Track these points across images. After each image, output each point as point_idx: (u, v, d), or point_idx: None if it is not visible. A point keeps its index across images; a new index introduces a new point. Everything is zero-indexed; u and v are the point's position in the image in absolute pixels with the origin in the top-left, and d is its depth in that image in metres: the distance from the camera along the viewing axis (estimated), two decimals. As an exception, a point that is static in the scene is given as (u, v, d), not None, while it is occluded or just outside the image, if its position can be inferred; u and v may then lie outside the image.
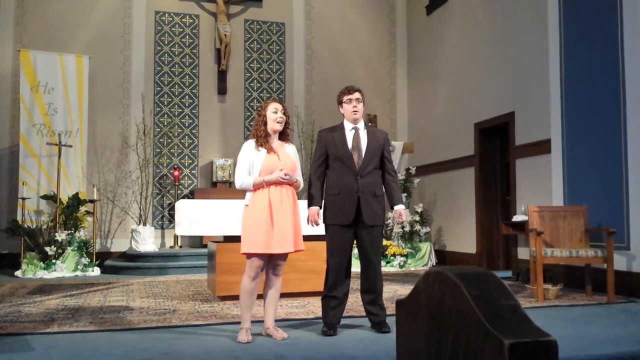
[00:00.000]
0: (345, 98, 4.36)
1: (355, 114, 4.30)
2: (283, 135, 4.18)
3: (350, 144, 4.26)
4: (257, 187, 3.98)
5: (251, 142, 4.09)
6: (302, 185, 4.25)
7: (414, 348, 1.98)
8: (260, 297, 4.18)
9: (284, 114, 4.11)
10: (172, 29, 10.44)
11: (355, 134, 4.30)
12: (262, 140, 4.06)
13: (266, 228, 3.90)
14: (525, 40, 7.89)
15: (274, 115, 4.08)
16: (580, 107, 6.48)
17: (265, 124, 4.08)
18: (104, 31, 10.04)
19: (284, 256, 4.08)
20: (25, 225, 8.52)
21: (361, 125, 4.35)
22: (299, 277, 5.87)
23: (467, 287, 1.66)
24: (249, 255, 3.95)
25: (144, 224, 9.45)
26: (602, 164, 6.14)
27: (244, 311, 3.99)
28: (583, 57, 6.45)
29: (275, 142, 4.13)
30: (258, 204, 3.95)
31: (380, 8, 11.51)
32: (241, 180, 4.00)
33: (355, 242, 4.30)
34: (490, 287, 1.70)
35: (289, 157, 4.12)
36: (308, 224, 4.30)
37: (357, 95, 4.34)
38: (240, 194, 4.15)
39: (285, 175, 3.98)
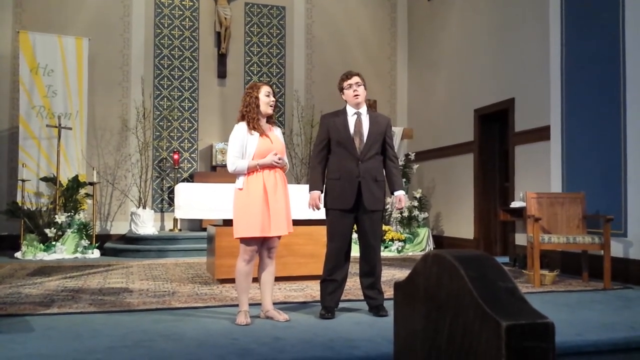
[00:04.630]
0: (345, 84, 4.35)
1: (356, 98, 4.30)
2: (270, 119, 4.19)
3: (352, 129, 4.26)
4: (250, 170, 3.98)
5: (243, 125, 4.06)
6: (288, 167, 4.28)
7: (411, 330, 2.00)
8: (256, 280, 4.20)
9: (274, 97, 4.15)
10: (172, 11, 10.38)
11: (358, 119, 4.29)
12: (255, 123, 4.05)
13: (262, 212, 3.91)
14: (525, 27, 7.87)
15: (266, 98, 4.08)
16: (580, 94, 6.47)
17: (258, 106, 4.07)
18: (104, 13, 9.99)
19: (277, 239, 4.11)
20: (25, 207, 8.54)
21: (364, 110, 4.35)
22: (298, 261, 5.90)
23: (465, 269, 1.68)
24: (245, 239, 3.96)
25: (144, 207, 9.47)
26: (601, 151, 6.15)
27: (241, 294, 4.01)
28: (584, 44, 6.44)
29: (264, 124, 4.13)
30: (253, 187, 3.95)
31: (382, -8, 11.46)
32: (235, 164, 3.98)
33: (355, 226, 4.31)
34: (488, 269, 1.72)
35: (279, 141, 4.15)
36: (309, 208, 4.31)
37: (356, 79, 4.33)
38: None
39: (279, 159, 3.99)
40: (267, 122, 4.17)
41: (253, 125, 4.03)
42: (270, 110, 4.11)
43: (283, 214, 4.00)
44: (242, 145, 4.01)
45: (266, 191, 3.96)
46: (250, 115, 4.05)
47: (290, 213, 4.13)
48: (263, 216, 3.92)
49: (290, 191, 4.25)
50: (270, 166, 4.00)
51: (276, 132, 4.19)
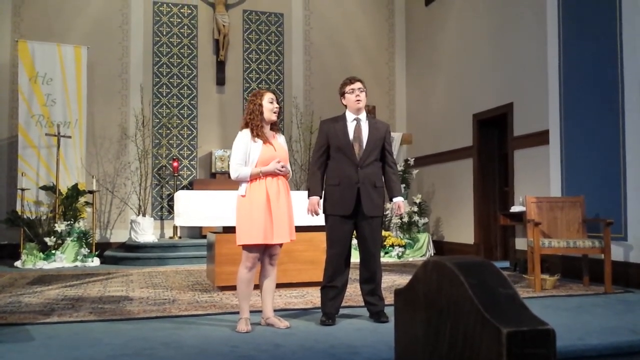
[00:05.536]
0: (347, 88, 4.36)
1: (358, 103, 4.30)
2: (274, 126, 4.19)
3: (351, 135, 4.26)
4: (253, 178, 3.99)
5: (247, 132, 4.06)
6: (291, 175, 4.28)
7: (412, 337, 1.99)
8: (256, 287, 4.20)
9: (278, 104, 4.16)
10: (171, 19, 10.41)
11: (357, 125, 4.30)
12: (259, 130, 4.05)
13: (265, 219, 3.91)
14: (523, 31, 7.88)
15: (270, 105, 4.08)
16: (578, 98, 6.48)
17: (262, 113, 4.08)
18: (102, 22, 10.01)
19: (279, 246, 4.12)
20: (25, 216, 8.53)
21: (363, 116, 4.36)
22: (298, 268, 5.89)
23: (466, 276, 1.68)
24: (247, 246, 3.96)
25: (143, 215, 9.47)
26: (600, 154, 6.16)
27: (242, 301, 4.00)
28: (581, 48, 6.45)
29: (268, 132, 4.14)
30: (256, 195, 3.95)
31: (379, -2, 11.49)
32: (238, 171, 3.99)
33: (355, 232, 4.31)
34: (488, 276, 1.72)
35: (282, 148, 4.15)
36: (308, 213, 4.31)
37: (358, 84, 4.34)
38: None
39: (282, 167, 3.99)
40: (271, 129, 4.17)
41: (257, 133, 4.03)
42: (274, 117, 4.11)
43: (286, 221, 4.00)
44: (245, 153, 4.01)
45: (269, 198, 3.95)
46: (254, 123, 4.05)
47: (293, 220, 4.14)
48: (266, 223, 3.91)
49: (292, 198, 4.25)
50: (273, 173, 4.00)
51: (280, 140, 4.19)
